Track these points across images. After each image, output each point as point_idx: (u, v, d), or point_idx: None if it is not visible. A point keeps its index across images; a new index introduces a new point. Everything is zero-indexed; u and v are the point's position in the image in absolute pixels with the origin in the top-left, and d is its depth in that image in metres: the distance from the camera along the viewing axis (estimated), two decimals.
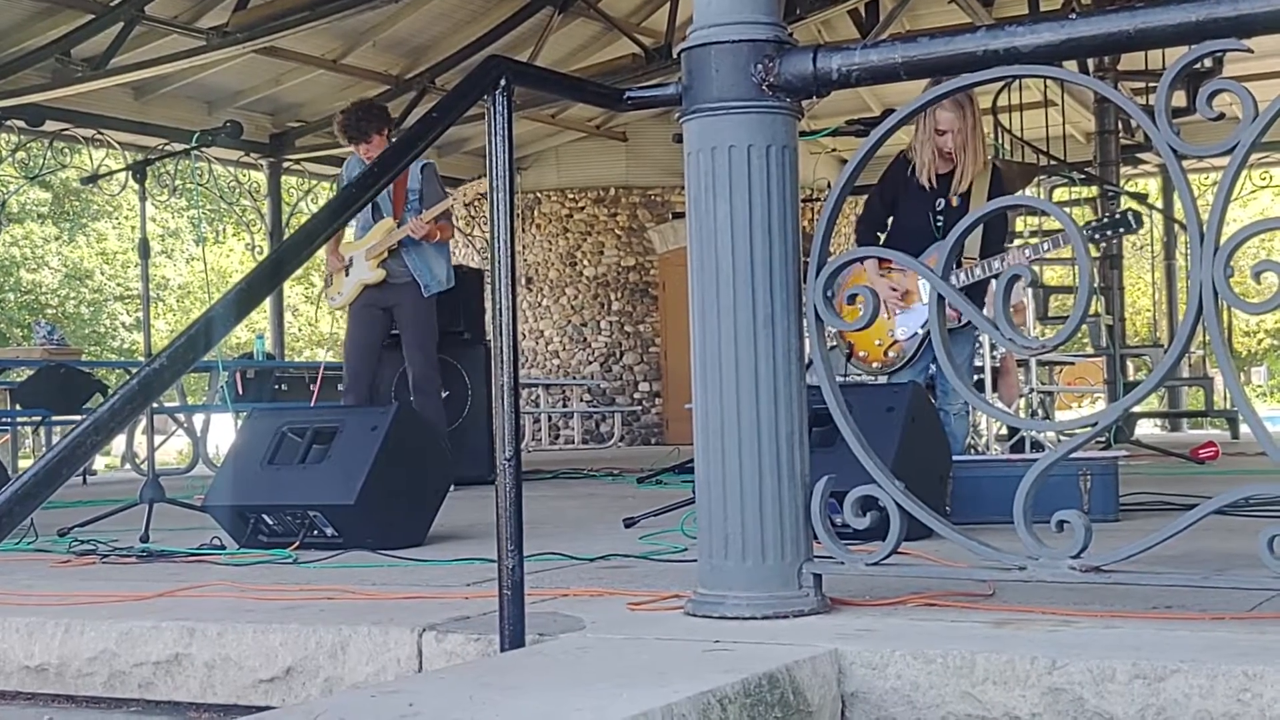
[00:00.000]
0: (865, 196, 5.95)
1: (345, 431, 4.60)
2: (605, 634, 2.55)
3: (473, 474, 7.46)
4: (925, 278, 2.70)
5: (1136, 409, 10.83)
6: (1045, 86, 13.18)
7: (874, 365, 5.76)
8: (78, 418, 10.78)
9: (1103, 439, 8.68)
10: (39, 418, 11.28)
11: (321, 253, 7.58)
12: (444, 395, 7.99)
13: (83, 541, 4.71)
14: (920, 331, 5.63)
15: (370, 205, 7.53)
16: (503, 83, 2.64)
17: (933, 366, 5.73)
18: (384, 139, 7.47)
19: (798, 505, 2.68)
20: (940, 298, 2.64)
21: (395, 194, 7.55)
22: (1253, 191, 20.39)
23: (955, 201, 5.58)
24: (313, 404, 8.89)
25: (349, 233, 7.83)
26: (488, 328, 8.17)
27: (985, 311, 5.67)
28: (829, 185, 4.86)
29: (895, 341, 5.70)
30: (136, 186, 5.87)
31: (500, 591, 2.53)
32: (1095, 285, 11.32)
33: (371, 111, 7.65)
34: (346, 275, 7.65)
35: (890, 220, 5.77)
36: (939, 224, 5.57)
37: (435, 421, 7.27)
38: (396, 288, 7.56)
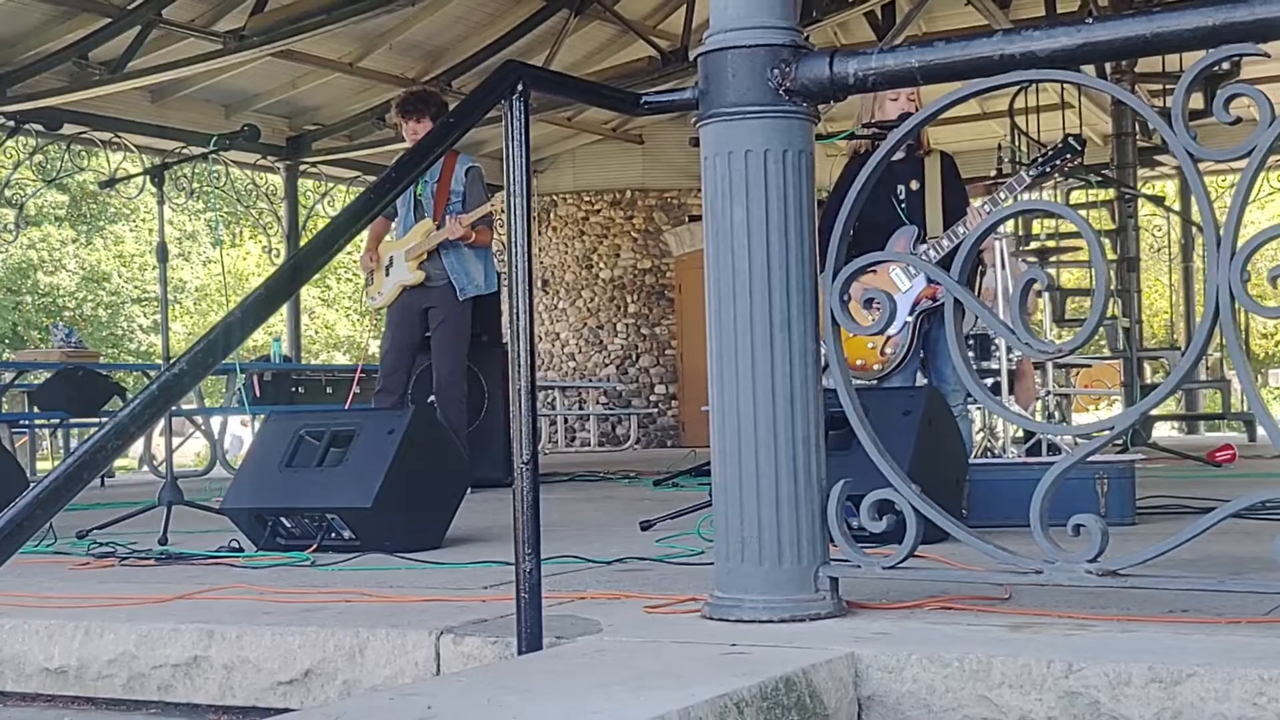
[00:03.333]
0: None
1: (362, 434, 4.61)
2: (622, 637, 2.56)
3: (490, 477, 7.44)
4: (947, 286, 2.70)
5: (1154, 412, 10.81)
6: (1062, 89, 13.15)
7: (874, 368, 5.73)
8: (95, 420, 10.84)
9: (1120, 442, 8.67)
10: (57, 420, 11.34)
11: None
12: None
13: (101, 544, 4.73)
14: (910, 320, 5.62)
15: (413, 205, 7.57)
16: (520, 87, 2.65)
17: (919, 376, 5.76)
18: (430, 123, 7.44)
19: (814, 508, 2.68)
20: (956, 302, 2.64)
21: (438, 195, 7.56)
22: (1270, 194, 20.30)
23: (915, 186, 5.68)
24: (347, 406, 8.80)
25: (390, 231, 7.82)
26: (504, 330, 8.17)
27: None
28: None
29: (889, 337, 5.69)
30: (154, 190, 5.87)
31: (517, 594, 2.54)
32: (1112, 288, 11.30)
33: (433, 97, 7.67)
34: (387, 275, 7.65)
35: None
36: (904, 209, 5.68)
37: (456, 425, 7.26)
38: (434, 290, 7.56)
